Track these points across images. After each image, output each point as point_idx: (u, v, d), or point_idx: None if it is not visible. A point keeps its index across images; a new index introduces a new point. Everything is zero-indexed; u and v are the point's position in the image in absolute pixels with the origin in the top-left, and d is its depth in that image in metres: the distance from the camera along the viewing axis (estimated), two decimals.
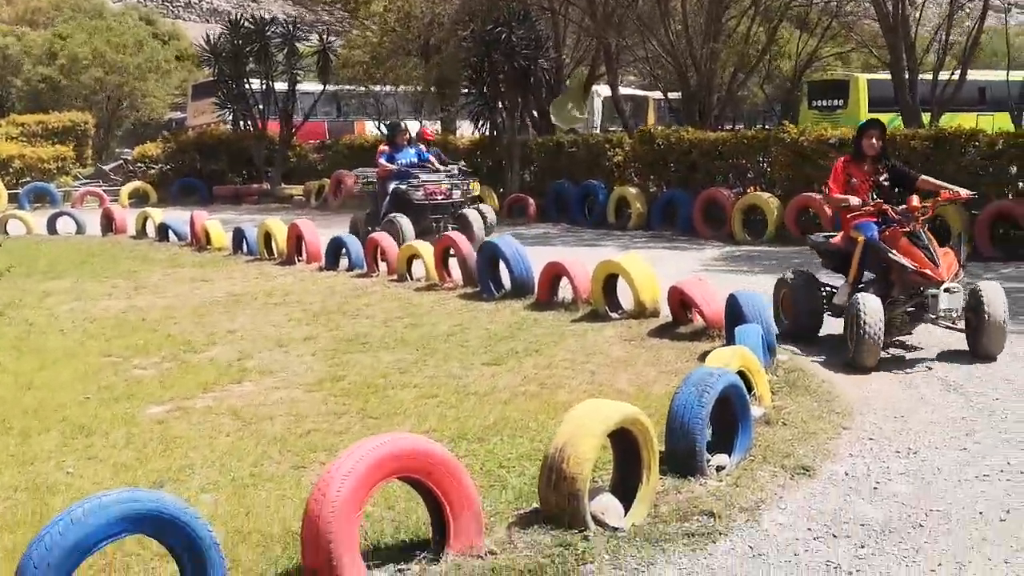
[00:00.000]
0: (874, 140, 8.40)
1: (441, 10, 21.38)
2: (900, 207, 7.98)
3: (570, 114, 23.37)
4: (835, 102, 27.45)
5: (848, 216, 8.34)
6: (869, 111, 25.31)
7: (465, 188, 16.09)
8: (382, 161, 15.76)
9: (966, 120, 20.41)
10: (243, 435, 6.26)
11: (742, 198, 16.83)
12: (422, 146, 16.68)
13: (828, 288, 8.83)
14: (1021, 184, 14.11)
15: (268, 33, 27.02)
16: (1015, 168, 14.14)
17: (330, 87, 29.66)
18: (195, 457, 5.84)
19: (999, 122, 22.39)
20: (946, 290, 7.66)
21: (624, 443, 4.85)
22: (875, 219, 8.14)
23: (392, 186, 15.36)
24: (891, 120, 19.53)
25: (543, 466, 4.62)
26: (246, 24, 27.33)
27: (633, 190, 18.68)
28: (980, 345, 7.80)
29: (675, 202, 18.06)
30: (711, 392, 5.32)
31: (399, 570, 4.18)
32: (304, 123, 28.69)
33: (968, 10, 23.67)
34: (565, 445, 4.55)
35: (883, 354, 7.80)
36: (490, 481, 5.30)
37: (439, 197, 15.51)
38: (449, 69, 23.10)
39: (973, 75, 27.01)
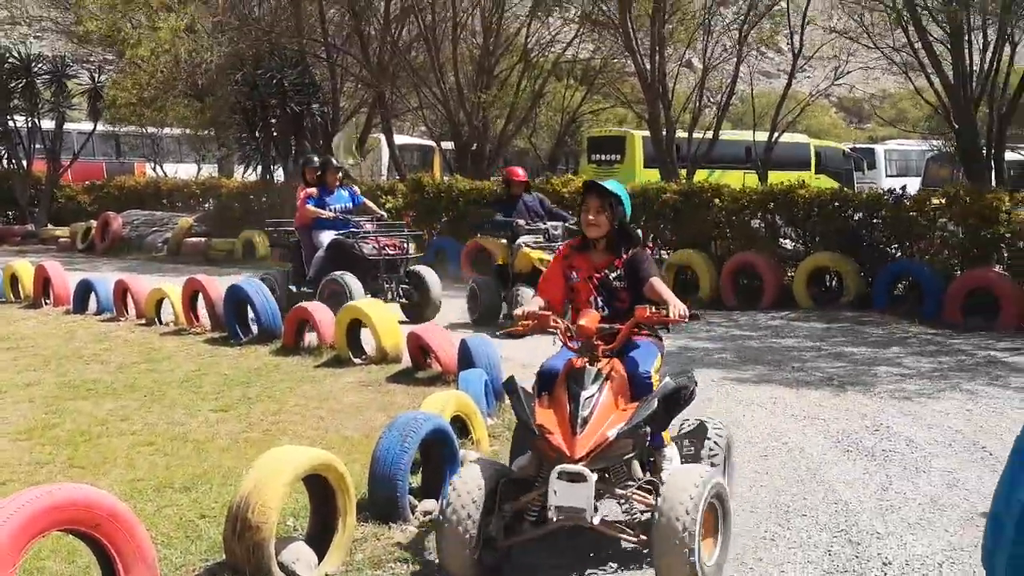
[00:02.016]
0: (591, 216, 5.13)
1: (209, 55, 20.91)
2: (575, 325, 4.90)
3: (343, 158, 23.27)
4: (612, 157, 28.35)
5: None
6: (645, 167, 26.32)
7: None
8: (310, 206, 12.28)
9: (733, 178, 21.40)
10: None
11: None
12: (355, 188, 13.38)
13: None
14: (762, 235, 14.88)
15: (35, 69, 25.88)
16: (757, 222, 14.93)
17: (108, 127, 28.65)
18: None
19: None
20: (562, 475, 4.34)
21: (321, 490, 4.79)
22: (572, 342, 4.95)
23: (327, 237, 12.36)
24: (707, 175, 20.26)
25: (228, 516, 4.49)
26: (11, 59, 26.09)
27: None
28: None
29: (444, 249, 18.18)
30: (414, 437, 5.31)
31: None
32: (73, 162, 27.60)
33: (725, 72, 24.94)
34: (250, 493, 4.43)
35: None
36: (186, 532, 5.14)
37: (391, 251, 12.51)
38: (222, 112, 22.68)
39: (741, 135, 28.56)
